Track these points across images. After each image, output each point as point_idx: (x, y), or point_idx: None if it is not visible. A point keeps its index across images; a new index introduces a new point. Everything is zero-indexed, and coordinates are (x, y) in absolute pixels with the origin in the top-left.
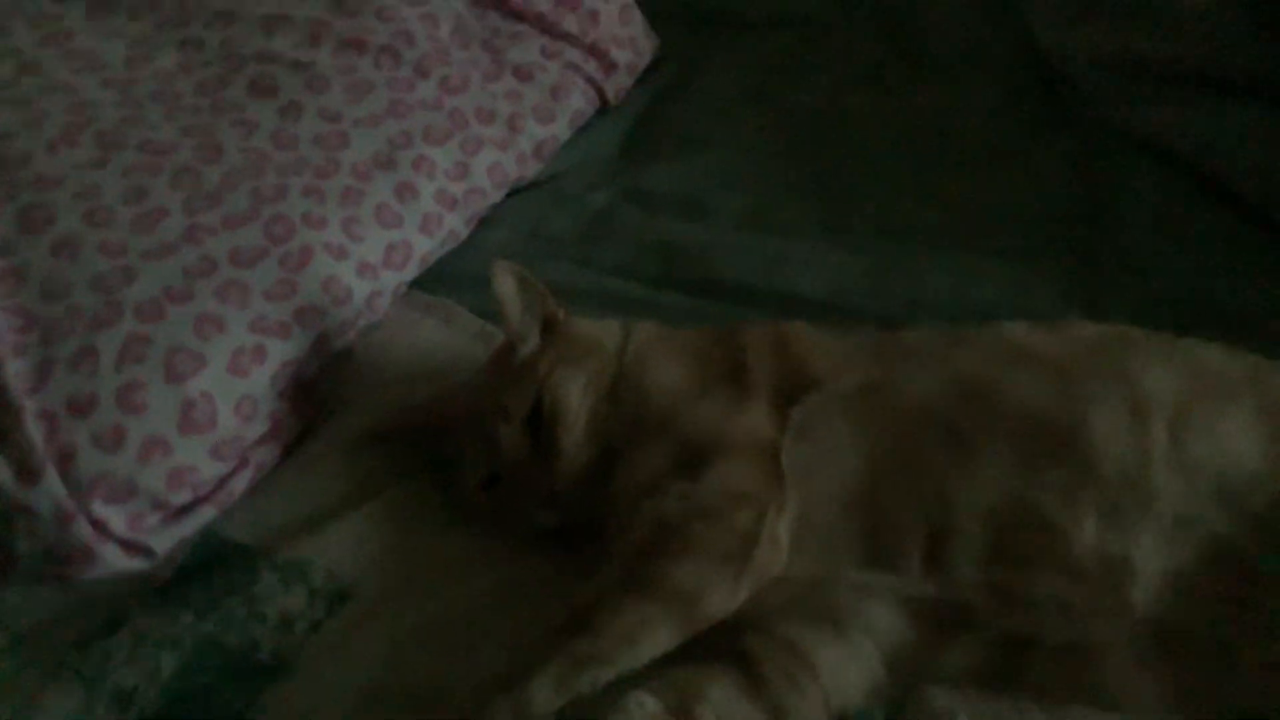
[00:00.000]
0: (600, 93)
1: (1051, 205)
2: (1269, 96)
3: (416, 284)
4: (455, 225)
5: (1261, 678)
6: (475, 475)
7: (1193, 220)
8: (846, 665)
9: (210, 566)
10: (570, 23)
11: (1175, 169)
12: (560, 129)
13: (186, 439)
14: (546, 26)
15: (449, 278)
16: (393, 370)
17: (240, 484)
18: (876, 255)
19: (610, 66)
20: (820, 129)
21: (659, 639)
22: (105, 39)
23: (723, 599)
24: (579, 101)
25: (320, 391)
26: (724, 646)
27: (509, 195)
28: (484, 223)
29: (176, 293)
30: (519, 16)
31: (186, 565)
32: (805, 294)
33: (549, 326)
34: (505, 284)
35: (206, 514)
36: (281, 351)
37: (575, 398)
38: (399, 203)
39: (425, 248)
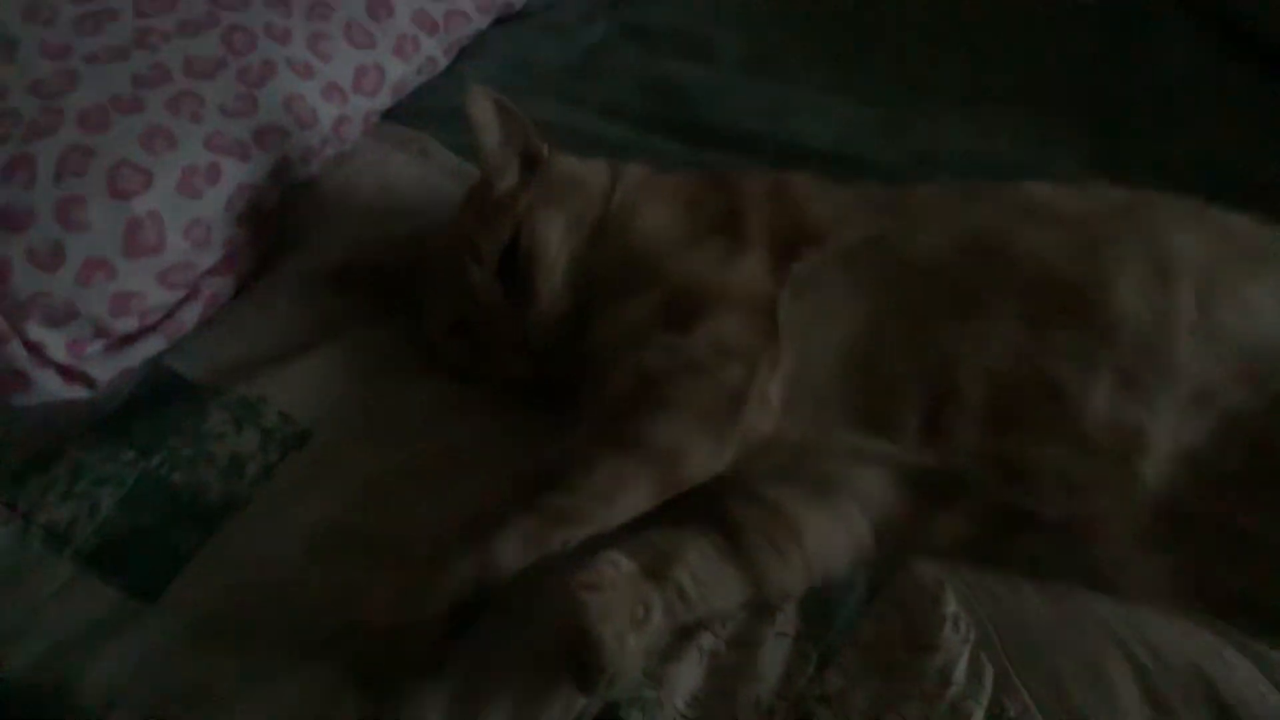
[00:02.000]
0: None
1: (1077, 60)
2: None
3: (391, 115)
4: (433, 51)
5: (1270, 565)
6: (444, 319)
7: (1224, 80)
8: (832, 531)
9: (156, 401)
10: None
11: (1207, 23)
12: None
13: (132, 261)
14: None
15: (426, 111)
16: (360, 205)
17: (190, 315)
18: (889, 105)
19: None
20: None
21: (636, 498)
22: None
23: (706, 459)
24: None
25: (280, 223)
26: (705, 508)
27: (496, 23)
28: (466, 52)
29: (124, 102)
30: None
31: (131, 399)
32: (810, 144)
33: (530, 162)
34: (482, 111)
35: (154, 345)
36: (238, 173)
37: (555, 239)
38: (371, 20)
39: (399, 73)
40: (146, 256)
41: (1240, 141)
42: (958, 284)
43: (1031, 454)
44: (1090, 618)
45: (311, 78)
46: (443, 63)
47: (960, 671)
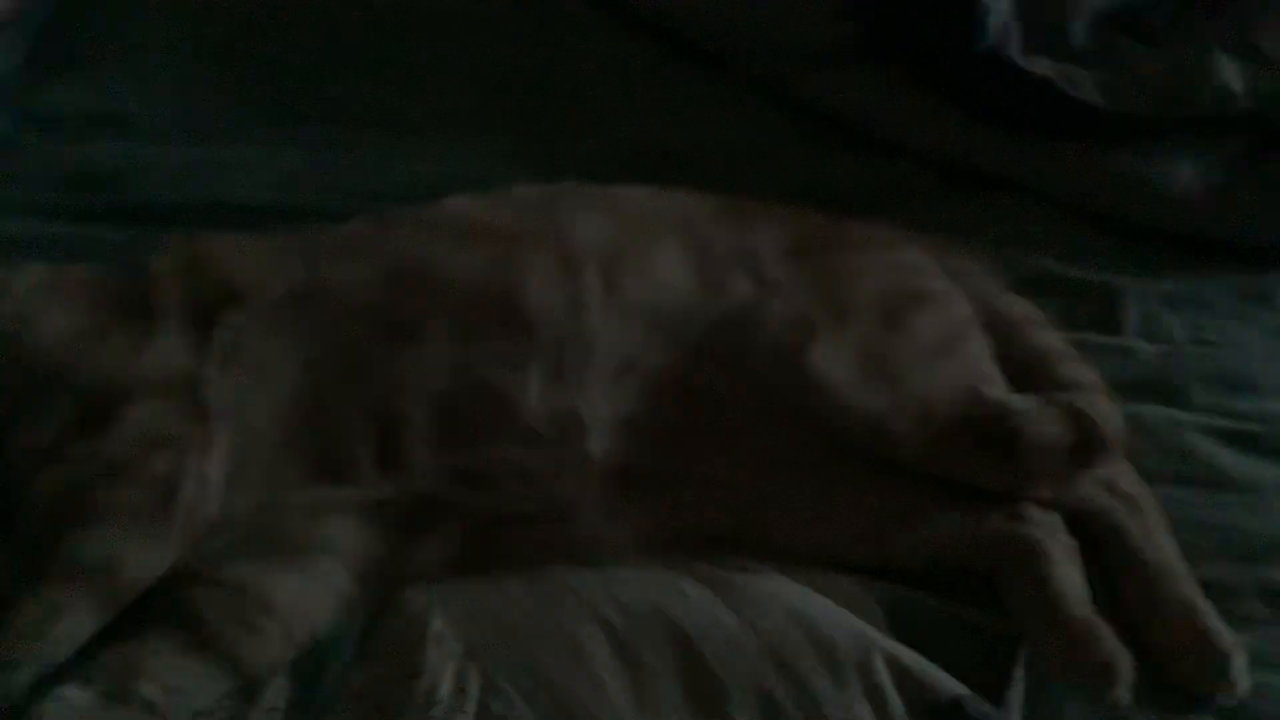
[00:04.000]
0: None
1: (505, 71)
2: None
3: None
4: None
5: (730, 495)
6: None
7: (645, 73)
8: (308, 592)
9: None
10: None
11: (632, 26)
12: None
13: None
14: None
15: None
16: None
17: None
18: (328, 149)
19: None
20: (253, 24)
21: (76, 625)
22: None
23: (147, 560)
24: None
25: None
26: (168, 608)
27: None
28: None
29: None
30: None
31: None
32: (244, 201)
33: None
34: None
35: None
36: None
37: None
38: None
39: None
40: None
41: (661, 120)
42: (390, 315)
43: (486, 460)
44: (567, 594)
45: None
46: None
47: (445, 689)
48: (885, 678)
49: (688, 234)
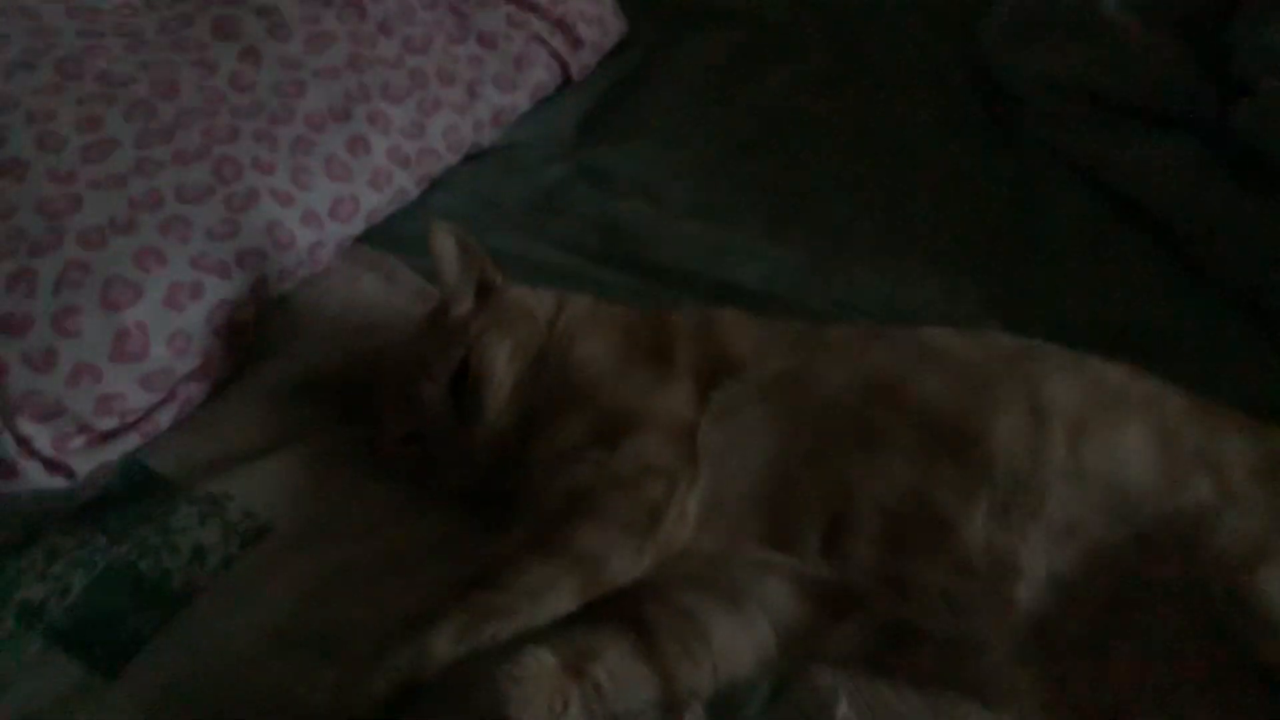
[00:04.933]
0: (564, 67)
1: (984, 219)
2: (1200, 132)
3: (363, 239)
4: (405, 184)
5: (1130, 680)
6: (397, 430)
7: (1117, 244)
8: (739, 637)
9: (130, 493)
10: None
11: (1105, 194)
12: (520, 99)
13: (117, 367)
14: None
15: (396, 237)
16: (329, 321)
17: (167, 416)
18: (812, 253)
19: (576, 42)
20: (770, 128)
21: (561, 599)
22: None
23: (626, 565)
24: (541, 73)
25: (255, 334)
26: (625, 612)
27: (464, 160)
28: (436, 185)
29: (120, 223)
30: None
31: (107, 490)
32: (741, 283)
33: (484, 290)
34: (443, 244)
35: (131, 441)
36: (219, 290)
37: (502, 363)
38: (350, 155)
39: (373, 203)
40: (131, 363)
41: (1131, 297)
42: (858, 419)
43: (919, 575)
44: None
45: (292, 205)
46: (413, 193)
47: None
48: None
49: (1157, 422)
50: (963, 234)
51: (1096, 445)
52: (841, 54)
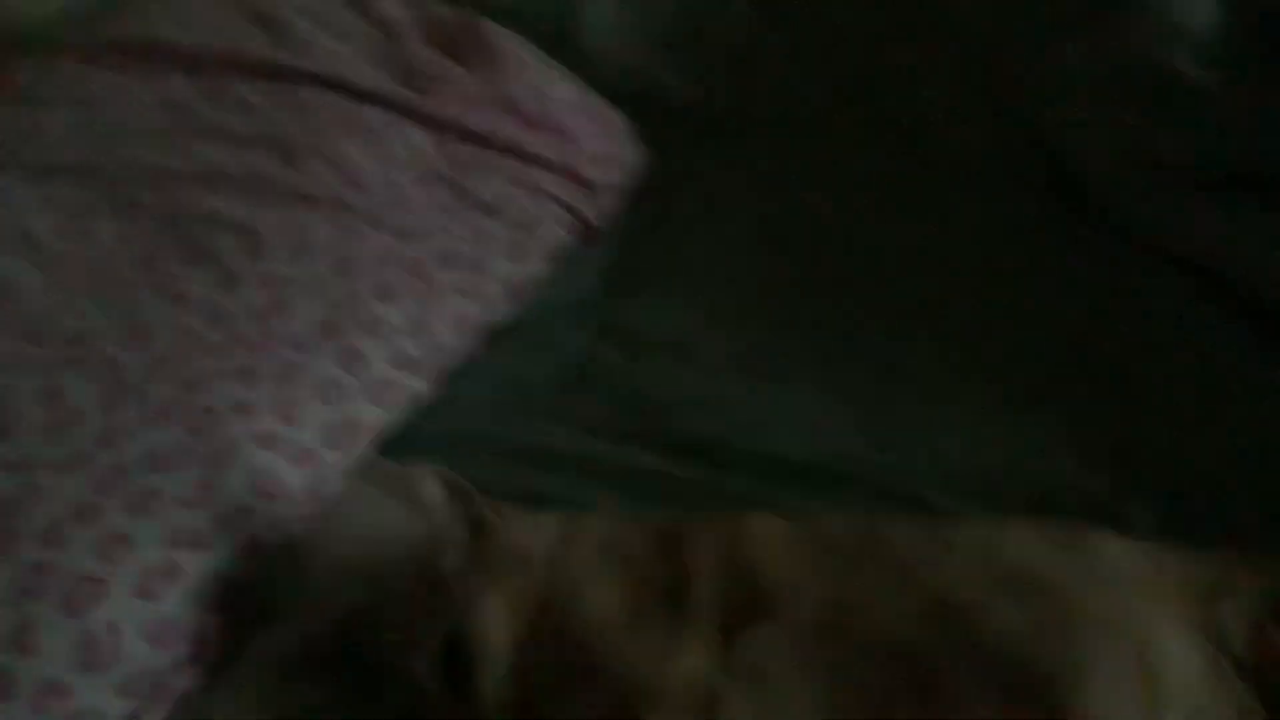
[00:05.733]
0: (581, 219)
1: (1078, 336)
2: None
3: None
4: (415, 387)
5: None
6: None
7: (1249, 360)
8: None
9: None
10: (541, 144)
11: (1207, 282)
12: (535, 265)
13: (88, 678)
14: (514, 149)
15: (418, 439)
16: (346, 565)
17: (156, 716)
18: (873, 407)
19: (589, 188)
20: (814, 257)
21: None
22: (39, 211)
23: None
24: (556, 231)
25: (255, 597)
26: None
27: (484, 340)
28: (455, 373)
29: (83, 511)
30: (483, 141)
31: None
32: (789, 456)
33: (477, 531)
34: (429, 490)
35: None
36: (200, 564)
37: (499, 630)
38: (345, 373)
39: (377, 418)
40: (104, 671)
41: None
42: (917, 663)
43: None
44: None
45: (278, 448)
46: (427, 394)
47: None
48: None
49: None
50: (1053, 358)
51: None
52: (889, 153)
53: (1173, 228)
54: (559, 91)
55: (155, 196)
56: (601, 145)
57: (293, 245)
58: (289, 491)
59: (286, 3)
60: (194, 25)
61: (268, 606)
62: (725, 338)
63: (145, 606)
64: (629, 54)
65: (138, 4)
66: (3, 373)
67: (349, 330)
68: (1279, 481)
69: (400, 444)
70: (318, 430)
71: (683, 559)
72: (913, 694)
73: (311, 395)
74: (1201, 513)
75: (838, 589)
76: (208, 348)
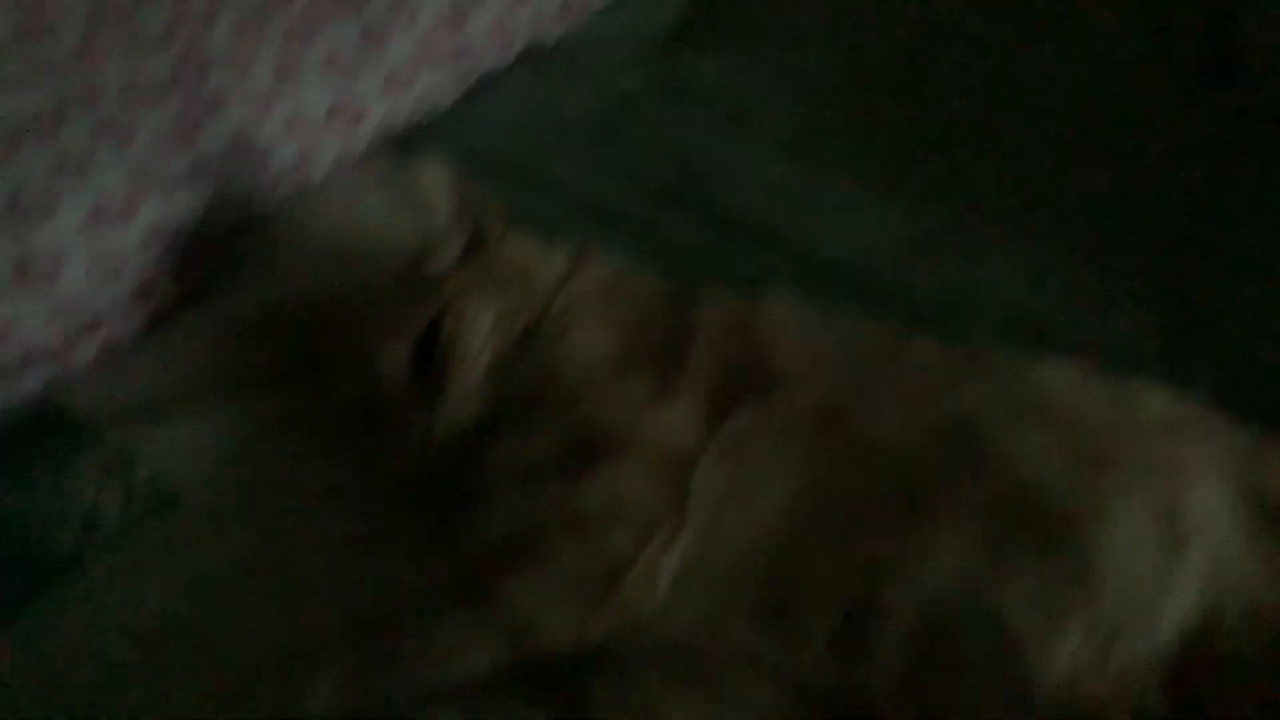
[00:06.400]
0: None
1: (1161, 198)
2: None
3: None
4: (435, 88)
5: None
6: (345, 392)
7: None
8: None
9: (30, 437)
10: None
11: None
12: None
13: (20, 293)
14: None
15: (431, 149)
16: (312, 248)
17: (86, 351)
18: (926, 223)
19: None
20: (900, 57)
21: (478, 661)
22: None
23: (564, 634)
24: None
25: (216, 261)
26: (564, 687)
27: (523, 58)
28: (486, 86)
29: (43, 122)
30: None
31: (13, 429)
32: (829, 254)
33: (477, 242)
34: (433, 182)
35: (38, 377)
36: (159, 209)
37: (480, 334)
38: (360, 51)
39: (386, 111)
40: (37, 290)
41: None
42: (915, 476)
43: (958, 698)
44: None
45: (271, 111)
46: (448, 100)
47: None
48: None
49: None
50: (1129, 214)
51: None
52: None
53: None
54: None
55: None
56: None
57: None
58: (272, 159)
59: None
60: None
61: (229, 270)
62: (784, 113)
63: (92, 237)
64: None
65: None
66: None
67: (375, 5)
68: None
69: (412, 154)
70: (318, 103)
71: (690, 320)
72: (898, 503)
73: (316, 65)
74: (1256, 403)
75: (847, 387)
76: None
